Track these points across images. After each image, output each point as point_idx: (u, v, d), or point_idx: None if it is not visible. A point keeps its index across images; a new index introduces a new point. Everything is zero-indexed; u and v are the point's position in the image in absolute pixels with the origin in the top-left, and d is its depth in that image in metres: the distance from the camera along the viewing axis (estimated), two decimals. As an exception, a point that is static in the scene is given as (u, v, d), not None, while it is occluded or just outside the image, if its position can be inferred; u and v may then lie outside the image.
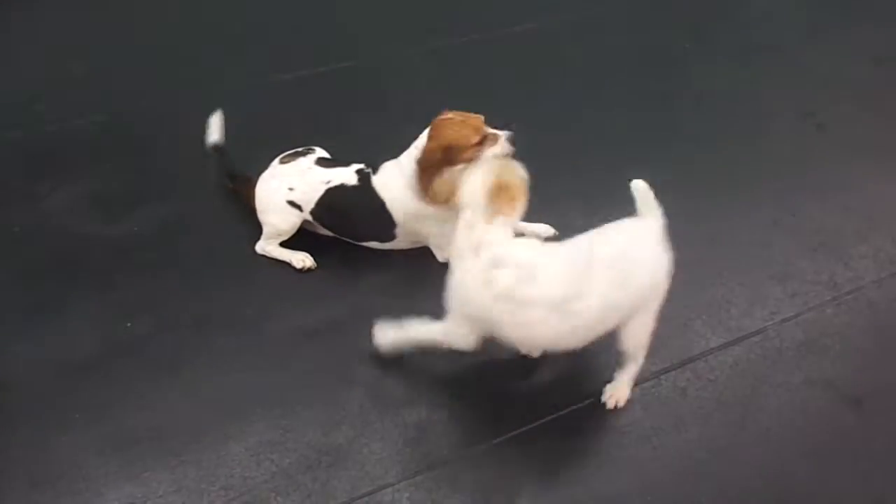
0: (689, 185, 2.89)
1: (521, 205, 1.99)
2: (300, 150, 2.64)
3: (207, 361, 2.30)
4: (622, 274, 1.89)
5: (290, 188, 2.50)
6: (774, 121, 3.25)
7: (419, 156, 2.34)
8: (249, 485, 2.00)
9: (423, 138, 2.37)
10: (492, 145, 2.32)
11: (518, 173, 2.01)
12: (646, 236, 1.98)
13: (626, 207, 2.80)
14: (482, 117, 2.34)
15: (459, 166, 2.25)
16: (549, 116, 3.27)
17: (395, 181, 2.44)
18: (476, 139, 2.29)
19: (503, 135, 2.33)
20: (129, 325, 2.39)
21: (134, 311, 2.44)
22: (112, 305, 2.46)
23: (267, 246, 2.58)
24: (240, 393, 2.21)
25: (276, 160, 2.61)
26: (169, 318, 2.42)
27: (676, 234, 2.65)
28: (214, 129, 2.76)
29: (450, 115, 2.34)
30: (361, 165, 2.51)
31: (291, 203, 2.50)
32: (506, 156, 2.22)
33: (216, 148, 2.75)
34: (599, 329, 1.95)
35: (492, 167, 2.03)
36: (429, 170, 2.30)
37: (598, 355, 2.27)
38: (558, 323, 1.87)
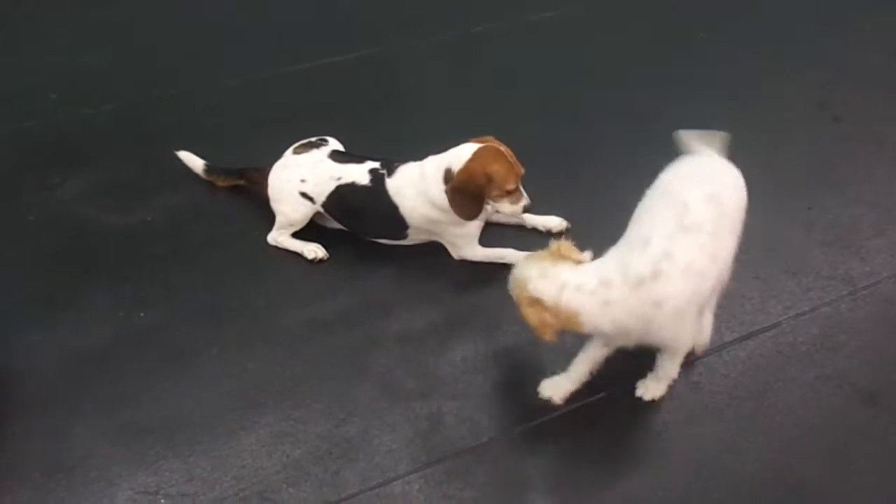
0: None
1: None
2: (313, 140, 2.63)
3: (219, 352, 2.31)
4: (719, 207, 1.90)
5: (302, 180, 2.49)
6: (790, 112, 3.21)
7: (459, 173, 2.31)
8: (261, 475, 2.01)
9: (460, 154, 2.33)
10: (513, 202, 2.37)
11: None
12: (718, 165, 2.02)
13: (641, 194, 2.81)
14: (522, 170, 2.36)
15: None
16: (565, 106, 3.25)
17: (409, 188, 2.41)
18: (512, 188, 2.33)
19: (525, 199, 2.39)
20: (141, 314, 2.41)
21: (146, 302, 2.45)
22: (125, 295, 2.48)
23: (279, 236, 2.58)
24: (251, 384, 2.22)
25: (290, 150, 2.61)
26: (181, 309, 2.43)
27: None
28: (191, 163, 2.80)
29: (503, 147, 2.33)
30: (376, 165, 2.48)
31: (304, 194, 2.50)
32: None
33: (208, 169, 2.79)
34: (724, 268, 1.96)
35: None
36: (463, 192, 2.30)
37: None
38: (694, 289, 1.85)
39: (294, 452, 2.06)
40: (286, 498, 1.96)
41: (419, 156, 2.47)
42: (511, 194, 2.34)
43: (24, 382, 2.23)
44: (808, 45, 3.62)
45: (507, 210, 2.40)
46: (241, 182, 2.75)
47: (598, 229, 2.60)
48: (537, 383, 2.16)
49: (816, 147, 3.03)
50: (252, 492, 1.98)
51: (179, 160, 2.82)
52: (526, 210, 2.40)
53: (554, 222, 2.61)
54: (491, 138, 2.37)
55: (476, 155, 2.31)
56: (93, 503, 1.96)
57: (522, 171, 2.35)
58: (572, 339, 2.04)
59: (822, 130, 3.13)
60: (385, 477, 2.00)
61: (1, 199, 2.85)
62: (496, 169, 2.29)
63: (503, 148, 2.33)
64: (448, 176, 2.32)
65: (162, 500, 1.97)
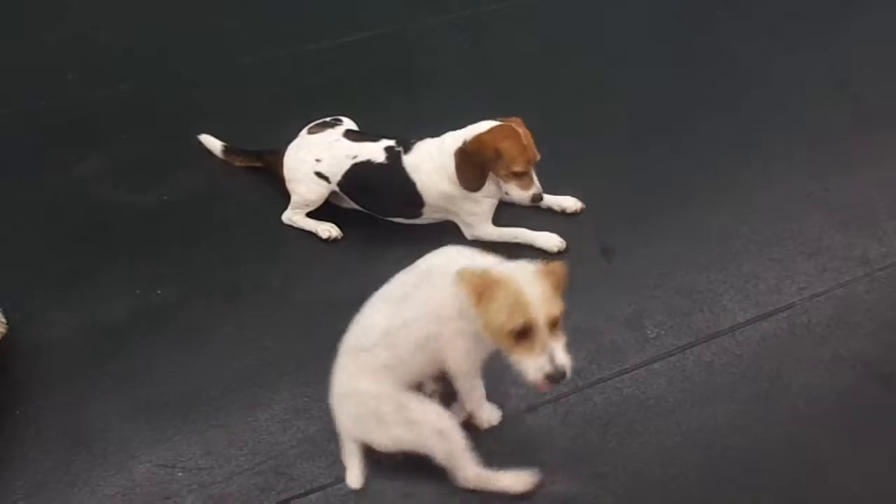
0: (719, 156, 2.85)
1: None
2: (328, 120, 2.63)
3: (235, 329, 2.33)
4: None
5: (317, 159, 2.50)
6: (808, 90, 3.17)
7: (469, 142, 2.32)
8: (277, 450, 2.04)
9: (478, 127, 2.35)
10: (522, 187, 2.36)
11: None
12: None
13: (656, 174, 2.80)
14: (538, 157, 2.35)
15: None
16: (577, 84, 3.23)
17: (428, 163, 2.42)
18: (521, 170, 2.32)
19: (535, 187, 2.38)
20: (158, 292, 2.44)
21: (163, 279, 2.48)
22: (142, 273, 2.51)
23: (294, 216, 2.60)
24: (267, 361, 2.25)
25: (305, 130, 2.61)
26: (197, 286, 2.46)
27: (704, 205, 2.66)
28: (210, 144, 2.83)
29: (521, 129, 2.33)
30: (391, 142, 2.48)
31: (319, 174, 2.50)
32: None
33: (225, 150, 2.81)
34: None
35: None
36: (470, 159, 2.31)
37: (622, 330, 2.28)
38: None
39: (309, 429, 2.09)
40: (300, 472, 1.99)
41: (432, 136, 2.47)
42: (520, 178, 2.34)
43: (46, 356, 2.27)
44: (827, 22, 3.56)
45: (515, 195, 2.40)
46: (259, 164, 2.77)
47: (613, 213, 2.63)
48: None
49: (835, 126, 3.00)
50: (267, 466, 2.01)
51: (196, 139, 2.84)
52: (535, 200, 2.41)
53: (569, 202, 2.60)
54: (517, 120, 2.37)
55: (490, 129, 2.32)
56: (112, 474, 2.00)
57: (537, 157, 2.34)
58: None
59: (840, 109, 3.09)
60: (398, 453, 2.02)
61: (20, 178, 2.88)
62: (505, 146, 2.29)
63: (521, 129, 2.32)
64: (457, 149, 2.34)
65: (179, 473, 2.00)
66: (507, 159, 2.30)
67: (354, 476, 1.95)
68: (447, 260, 1.85)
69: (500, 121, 2.37)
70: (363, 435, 1.91)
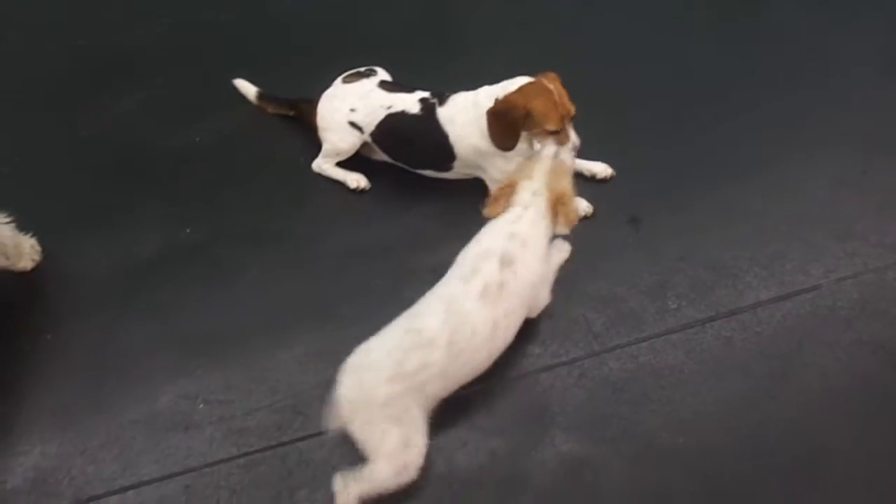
0: (755, 132, 2.80)
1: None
2: (362, 70, 2.63)
3: (260, 272, 2.38)
4: None
5: (351, 109, 2.50)
6: (851, 71, 3.07)
7: (499, 101, 2.30)
8: (295, 390, 2.10)
9: (511, 84, 2.32)
10: (559, 141, 2.30)
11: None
12: None
13: (689, 146, 2.76)
14: (573, 109, 2.30)
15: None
16: (616, 48, 3.17)
17: (463, 115, 2.40)
18: (555, 128, 2.27)
19: (573, 140, 2.32)
20: (188, 231, 2.49)
21: (193, 219, 2.53)
22: (173, 211, 2.56)
23: (324, 164, 2.62)
24: (290, 304, 2.29)
25: (339, 79, 2.61)
26: (226, 228, 2.51)
27: (736, 181, 2.62)
28: (245, 89, 2.84)
29: (553, 85, 2.28)
30: (426, 94, 2.48)
31: (352, 124, 2.51)
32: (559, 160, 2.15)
33: (260, 96, 2.82)
34: None
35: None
36: (500, 120, 2.29)
37: (643, 299, 2.28)
38: None
39: (327, 372, 2.11)
40: (317, 413, 2.03)
41: (468, 88, 2.46)
42: (555, 135, 2.32)
43: (76, 286, 2.34)
44: (879, 7, 3.44)
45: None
46: (291, 112, 2.78)
47: (643, 182, 2.61)
48: (564, 326, 2.20)
49: (877, 109, 2.92)
50: (286, 404, 2.07)
51: (231, 84, 2.85)
52: (574, 150, 2.34)
53: (599, 167, 2.58)
54: (551, 75, 2.32)
55: (521, 88, 2.28)
56: (136, 402, 2.08)
57: (572, 112, 2.30)
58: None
59: (884, 92, 2.99)
60: (412, 402, 2.06)
61: (59, 114, 2.93)
62: (536, 105, 2.24)
63: (553, 86, 2.28)
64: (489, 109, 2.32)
65: (201, 405, 2.07)
66: (539, 118, 2.26)
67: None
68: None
69: (534, 77, 2.34)
70: (348, 411, 1.86)
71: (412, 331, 1.89)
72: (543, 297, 2.13)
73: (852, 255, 2.40)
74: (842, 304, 2.27)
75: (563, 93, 2.29)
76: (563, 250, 2.24)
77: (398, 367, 1.83)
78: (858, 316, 2.25)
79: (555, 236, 2.14)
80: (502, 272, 1.94)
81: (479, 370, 1.96)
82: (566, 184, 2.09)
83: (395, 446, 1.82)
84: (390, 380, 1.82)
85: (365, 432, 1.84)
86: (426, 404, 1.89)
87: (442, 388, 1.90)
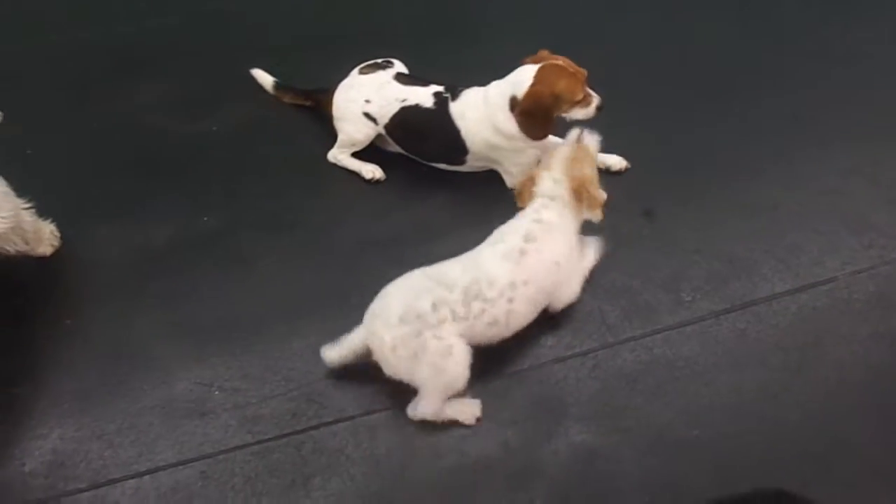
0: (770, 124, 2.79)
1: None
2: (379, 61, 2.64)
3: (276, 260, 2.39)
4: None
5: (366, 100, 2.51)
6: (867, 61, 3.05)
7: (524, 98, 2.30)
8: (309, 378, 2.11)
9: (521, 77, 2.32)
10: (584, 106, 2.34)
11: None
12: None
13: (704, 139, 2.75)
14: (585, 72, 2.32)
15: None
16: (630, 41, 3.16)
17: (473, 111, 2.41)
18: (581, 95, 2.31)
19: (596, 99, 2.35)
20: (205, 219, 2.51)
21: (209, 208, 2.55)
22: (189, 200, 2.58)
23: (339, 154, 2.63)
24: (304, 293, 2.31)
25: (356, 70, 2.62)
26: (242, 217, 2.52)
27: (751, 173, 2.61)
28: (262, 79, 2.86)
29: (559, 60, 2.31)
30: (440, 88, 2.48)
31: (367, 115, 2.52)
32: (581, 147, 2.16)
33: (277, 86, 2.84)
34: None
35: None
36: (533, 114, 2.30)
37: (658, 291, 2.27)
38: None
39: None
40: (331, 402, 2.06)
41: (480, 84, 2.46)
42: (580, 102, 2.33)
43: (95, 272, 2.37)
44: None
45: (580, 116, 2.36)
46: (307, 103, 2.80)
47: (658, 174, 2.60)
48: (580, 317, 2.20)
49: (891, 101, 2.89)
50: (300, 393, 2.08)
51: (246, 73, 2.87)
52: (599, 109, 2.37)
53: (613, 160, 2.58)
54: (545, 53, 2.34)
55: (538, 77, 2.29)
56: (153, 388, 2.09)
57: (585, 73, 2.32)
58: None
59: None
60: (426, 390, 2.07)
61: (78, 104, 2.95)
62: (560, 86, 2.27)
63: (561, 61, 2.30)
64: (514, 103, 2.32)
65: (216, 392, 2.08)
66: (567, 95, 2.29)
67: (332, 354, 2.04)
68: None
69: (533, 61, 2.34)
70: (394, 360, 1.93)
71: (431, 276, 1.96)
72: (571, 291, 2.14)
73: (868, 248, 2.39)
74: (857, 296, 2.26)
75: (568, 61, 2.31)
76: (596, 250, 2.24)
77: (408, 309, 1.89)
78: (874, 308, 2.23)
79: (585, 229, 2.17)
80: (526, 244, 2.00)
81: (497, 331, 1.99)
82: (588, 170, 2.10)
83: (429, 378, 1.91)
84: (400, 322, 1.89)
85: (395, 373, 1.94)
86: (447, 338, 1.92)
87: (457, 333, 1.92)
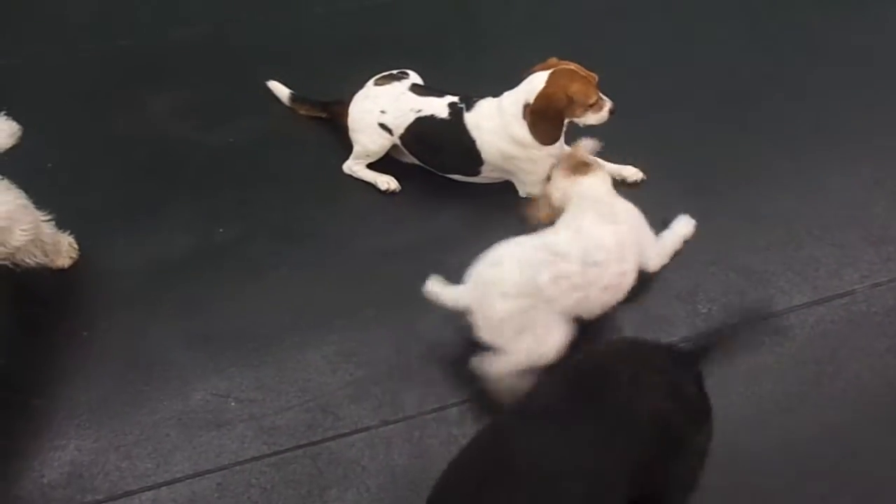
0: (788, 135, 2.78)
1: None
2: (395, 72, 2.64)
3: (291, 271, 2.40)
4: None
5: (382, 111, 2.52)
6: (888, 75, 3.03)
7: (536, 99, 2.31)
8: (324, 390, 2.12)
9: (533, 84, 2.34)
10: (597, 110, 2.36)
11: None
12: None
13: (720, 150, 2.74)
14: (596, 76, 2.34)
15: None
16: (645, 52, 3.15)
17: (488, 122, 2.42)
18: (594, 98, 2.33)
19: (608, 103, 2.36)
20: (221, 230, 2.52)
21: (225, 218, 2.56)
22: (205, 210, 2.59)
23: (354, 165, 2.64)
24: (320, 304, 2.31)
25: (371, 81, 2.63)
26: (258, 227, 2.54)
27: (769, 185, 2.60)
28: (279, 91, 2.88)
29: (571, 65, 2.33)
30: (455, 99, 2.49)
31: (382, 126, 2.53)
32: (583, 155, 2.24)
33: (293, 98, 2.85)
34: None
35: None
36: (545, 117, 2.32)
37: (674, 302, 2.26)
38: None
39: (357, 372, 2.15)
40: (347, 413, 2.07)
41: (495, 94, 2.47)
42: (592, 106, 2.34)
43: (112, 283, 2.38)
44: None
45: (593, 120, 2.38)
46: (323, 115, 2.81)
47: (674, 185, 2.59)
48: (599, 324, 2.18)
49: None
50: (316, 404, 2.09)
51: (264, 85, 2.89)
52: (612, 112, 2.38)
53: (629, 171, 2.58)
54: (554, 60, 2.36)
55: (551, 80, 2.31)
56: (169, 398, 2.11)
57: (596, 77, 2.34)
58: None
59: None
60: (442, 402, 2.07)
61: (95, 113, 2.97)
62: (574, 88, 2.29)
63: (572, 66, 2.32)
64: (527, 110, 2.33)
65: (232, 403, 2.10)
66: (581, 98, 2.31)
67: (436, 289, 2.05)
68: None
69: (543, 68, 2.36)
70: (498, 329, 1.96)
71: (546, 248, 1.99)
72: (655, 254, 2.22)
73: (887, 260, 2.37)
74: (876, 309, 2.25)
75: (579, 66, 2.34)
76: (687, 224, 2.35)
77: (528, 281, 1.92)
78: (893, 322, 2.22)
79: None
80: (612, 206, 2.12)
81: (611, 296, 2.04)
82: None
83: (525, 350, 1.94)
84: (518, 295, 1.92)
85: (491, 339, 1.97)
86: (560, 313, 1.97)
87: (575, 303, 1.97)
